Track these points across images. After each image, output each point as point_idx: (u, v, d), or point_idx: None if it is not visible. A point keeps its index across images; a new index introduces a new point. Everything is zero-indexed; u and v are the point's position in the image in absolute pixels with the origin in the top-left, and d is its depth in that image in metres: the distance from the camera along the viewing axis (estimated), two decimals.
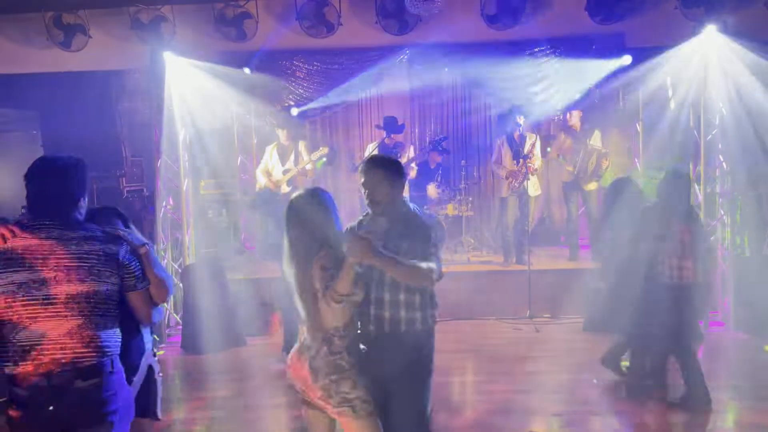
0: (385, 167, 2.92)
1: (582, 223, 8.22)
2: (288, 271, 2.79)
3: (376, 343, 2.87)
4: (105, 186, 8.85)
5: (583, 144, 7.51)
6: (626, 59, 7.02)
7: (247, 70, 7.15)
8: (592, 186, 7.62)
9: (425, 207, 7.86)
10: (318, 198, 2.81)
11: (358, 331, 2.87)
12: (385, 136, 7.80)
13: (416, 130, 9.34)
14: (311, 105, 7.76)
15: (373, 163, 2.95)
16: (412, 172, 7.83)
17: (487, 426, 4.39)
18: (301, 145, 7.79)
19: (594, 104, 7.88)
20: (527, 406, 4.74)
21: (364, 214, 3.05)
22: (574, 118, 7.62)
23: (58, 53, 6.99)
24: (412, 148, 7.87)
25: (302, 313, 2.76)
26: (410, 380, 2.90)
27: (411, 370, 2.90)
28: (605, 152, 7.60)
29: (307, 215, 2.76)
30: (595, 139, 7.62)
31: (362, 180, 2.92)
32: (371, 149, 7.75)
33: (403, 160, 7.51)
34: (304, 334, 2.81)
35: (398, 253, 2.77)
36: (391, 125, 7.78)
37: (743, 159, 6.66)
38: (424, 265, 2.75)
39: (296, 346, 2.86)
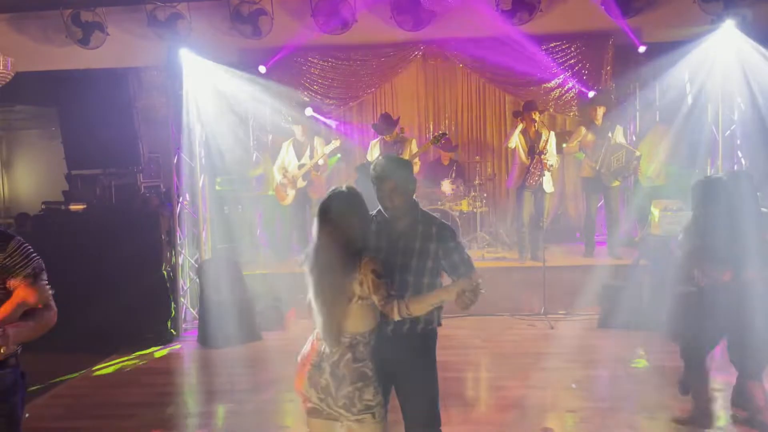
0: (397, 173, 2.88)
1: (599, 220, 8.16)
2: (313, 274, 2.67)
3: (392, 343, 2.86)
4: (123, 182, 8.94)
5: (606, 139, 7.42)
6: (641, 49, 6.94)
7: (262, 69, 7.19)
8: (615, 183, 7.53)
9: (439, 203, 7.87)
10: (356, 197, 2.71)
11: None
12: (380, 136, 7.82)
13: (431, 126, 9.33)
14: (328, 120, 7.88)
15: (385, 168, 2.89)
16: (415, 167, 7.81)
17: (502, 422, 4.39)
18: (317, 141, 7.82)
19: (612, 100, 7.81)
20: (542, 402, 4.73)
21: (376, 211, 3.00)
22: (598, 114, 7.52)
23: (77, 50, 7.07)
24: (414, 142, 7.86)
25: (324, 319, 2.64)
26: (423, 377, 2.94)
27: (424, 367, 2.94)
28: (638, 155, 7.39)
29: (346, 215, 2.65)
30: (618, 135, 7.51)
31: (375, 185, 2.90)
32: (373, 147, 7.77)
33: (406, 156, 7.49)
34: (318, 342, 2.71)
35: (424, 254, 2.85)
36: (385, 123, 7.77)
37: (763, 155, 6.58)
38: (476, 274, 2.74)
39: (307, 355, 2.76)
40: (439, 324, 3.03)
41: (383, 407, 2.74)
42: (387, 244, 2.89)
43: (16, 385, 2.55)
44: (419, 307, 2.64)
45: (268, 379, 5.47)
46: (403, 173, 2.91)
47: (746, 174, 4.69)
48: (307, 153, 7.76)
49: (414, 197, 2.98)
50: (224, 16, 6.85)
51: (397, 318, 2.65)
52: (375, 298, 2.63)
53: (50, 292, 2.57)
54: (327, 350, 2.67)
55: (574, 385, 4.92)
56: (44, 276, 2.55)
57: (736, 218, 3.92)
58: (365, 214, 2.76)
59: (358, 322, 2.67)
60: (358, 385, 2.64)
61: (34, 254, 2.55)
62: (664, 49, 6.81)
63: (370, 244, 2.77)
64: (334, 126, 8.56)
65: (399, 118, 7.95)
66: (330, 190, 2.77)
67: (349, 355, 2.65)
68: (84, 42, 6.98)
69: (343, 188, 2.74)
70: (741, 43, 6.39)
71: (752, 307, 3.86)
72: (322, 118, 8.24)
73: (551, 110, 7.97)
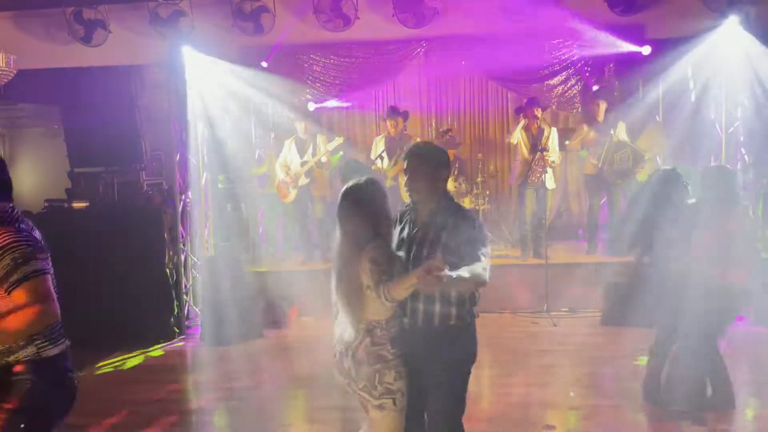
0: (425, 156, 2.87)
1: (602, 217, 8.13)
2: (335, 262, 2.76)
3: (410, 336, 2.83)
4: (125, 180, 8.95)
5: (608, 136, 7.38)
6: (646, 51, 6.92)
7: (264, 64, 7.19)
8: (617, 181, 7.50)
9: None
10: (375, 186, 2.76)
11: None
12: (388, 129, 7.80)
13: (433, 123, 9.31)
14: (328, 102, 7.82)
15: (415, 151, 2.91)
16: None
17: (505, 420, 4.39)
18: (320, 138, 7.82)
19: (614, 96, 7.78)
20: (544, 400, 4.73)
21: (407, 205, 3.01)
22: (600, 110, 7.49)
23: (79, 48, 7.07)
24: (418, 140, 7.84)
25: (343, 305, 2.72)
26: (443, 375, 2.84)
27: (445, 364, 2.84)
28: (645, 157, 7.26)
29: (365, 204, 2.71)
30: (620, 131, 7.47)
31: (404, 167, 2.89)
32: (377, 143, 7.76)
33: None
34: (343, 328, 2.76)
35: (435, 246, 2.74)
36: (391, 111, 7.77)
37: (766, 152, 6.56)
38: (478, 268, 2.65)
39: (336, 346, 2.82)
40: (474, 316, 2.93)
41: (404, 396, 2.72)
42: (407, 235, 2.87)
43: (31, 397, 2.37)
44: (398, 291, 2.60)
45: (270, 376, 5.48)
46: (426, 158, 2.86)
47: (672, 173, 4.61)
48: (310, 150, 7.75)
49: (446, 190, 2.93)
50: (226, 13, 6.85)
51: (386, 303, 2.64)
52: (371, 285, 2.65)
53: (44, 284, 2.35)
54: (349, 338, 2.73)
55: (572, 394, 4.84)
56: (28, 269, 2.30)
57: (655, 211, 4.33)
58: (377, 206, 2.74)
59: (372, 310, 2.71)
60: (377, 366, 2.68)
61: (13, 245, 2.30)
62: (667, 45, 6.78)
63: (383, 234, 2.74)
64: (339, 104, 8.46)
65: (407, 112, 7.96)
66: (351, 182, 2.80)
67: (367, 340, 2.71)
68: (86, 40, 6.98)
69: (361, 181, 2.79)
70: (744, 40, 6.36)
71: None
72: (326, 105, 8.19)
73: (553, 107, 7.95)
